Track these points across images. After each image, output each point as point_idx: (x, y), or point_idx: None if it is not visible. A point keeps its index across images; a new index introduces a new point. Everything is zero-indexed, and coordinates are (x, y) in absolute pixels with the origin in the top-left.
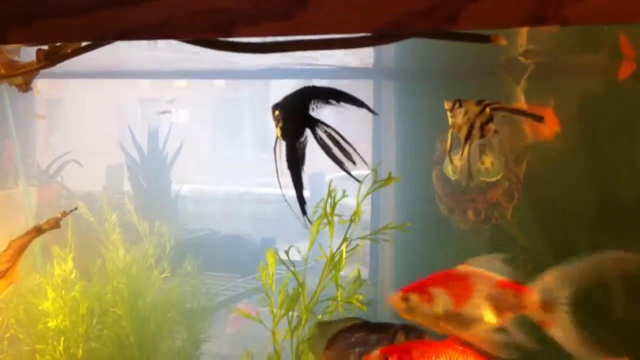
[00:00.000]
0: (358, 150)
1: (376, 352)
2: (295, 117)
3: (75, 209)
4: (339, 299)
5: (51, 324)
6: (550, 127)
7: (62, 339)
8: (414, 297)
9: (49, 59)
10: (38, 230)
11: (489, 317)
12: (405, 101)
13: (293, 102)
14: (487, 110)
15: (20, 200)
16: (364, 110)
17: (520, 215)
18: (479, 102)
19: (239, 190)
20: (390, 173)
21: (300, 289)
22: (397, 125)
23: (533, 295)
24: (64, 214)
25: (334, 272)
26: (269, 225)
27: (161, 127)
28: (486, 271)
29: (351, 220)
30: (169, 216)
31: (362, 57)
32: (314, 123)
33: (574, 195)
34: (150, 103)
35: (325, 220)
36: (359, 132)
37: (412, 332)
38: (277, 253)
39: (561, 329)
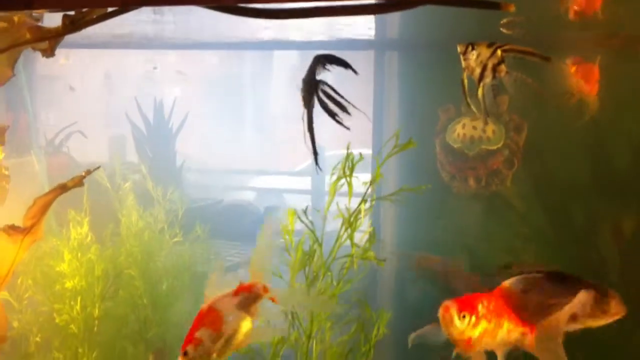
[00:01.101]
0: (359, 123)
1: (455, 305)
2: (306, 84)
3: (99, 167)
4: (354, 255)
5: (68, 284)
6: (594, 84)
7: (79, 298)
8: (189, 349)
9: (75, 25)
10: (63, 188)
11: (246, 321)
12: (407, 72)
13: (306, 72)
14: (499, 52)
15: (32, 168)
16: (365, 82)
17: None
18: (490, 45)
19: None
20: (411, 138)
21: (316, 246)
22: (399, 96)
23: (257, 282)
24: (88, 172)
25: (349, 231)
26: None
27: (166, 99)
28: (222, 292)
29: (371, 182)
30: (175, 185)
31: (363, 28)
32: (316, 85)
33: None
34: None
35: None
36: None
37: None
38: (296, 213)
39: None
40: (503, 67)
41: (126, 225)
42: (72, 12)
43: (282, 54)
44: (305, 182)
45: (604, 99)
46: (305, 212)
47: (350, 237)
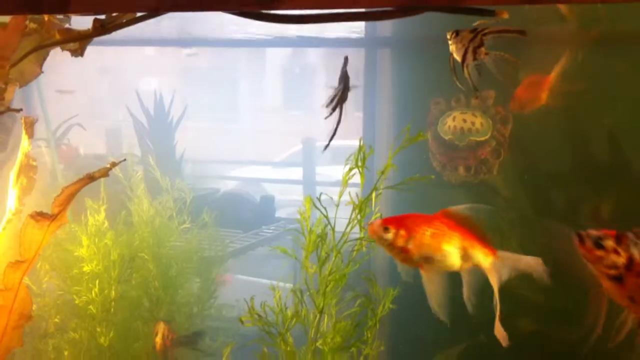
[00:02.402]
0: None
1: (378, 221)
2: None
3: (124, 160)
4: (363, 238)
5: (86, 268)
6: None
7: (97, 281)
8: None
9: (105, 28)
10: (90, 178)
11: None
12: (398, 68)
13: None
14: (479, 36)
15: (42, 159)
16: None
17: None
18: (472, 31)
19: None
20: (420, 131)
21: (327, 229)
22: (392, 90)
23: None
24: (113, 164)
25: (359, 217)
26: None
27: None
28: None
29: (382, 172)
30: (177, 176)
31: (352, 27)
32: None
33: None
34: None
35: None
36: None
37: None
38: (312, 200)
39: None
40: (483, 49)
41: (137, 213)
42: (102, 16)
43: (270, 50)
44: (296, 172)
45: (582, 92)
46: (319, 199)
47: (360, 222)
